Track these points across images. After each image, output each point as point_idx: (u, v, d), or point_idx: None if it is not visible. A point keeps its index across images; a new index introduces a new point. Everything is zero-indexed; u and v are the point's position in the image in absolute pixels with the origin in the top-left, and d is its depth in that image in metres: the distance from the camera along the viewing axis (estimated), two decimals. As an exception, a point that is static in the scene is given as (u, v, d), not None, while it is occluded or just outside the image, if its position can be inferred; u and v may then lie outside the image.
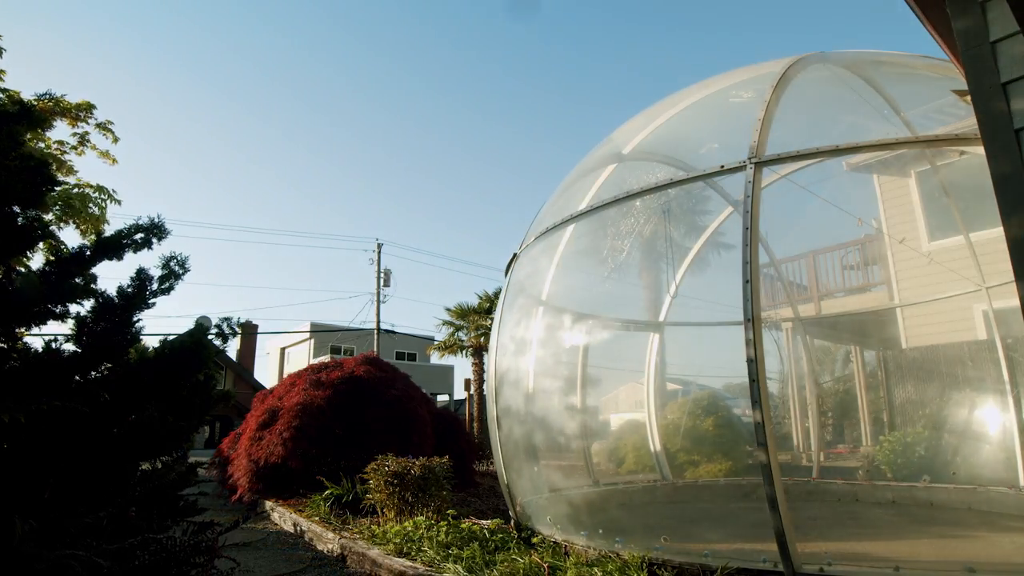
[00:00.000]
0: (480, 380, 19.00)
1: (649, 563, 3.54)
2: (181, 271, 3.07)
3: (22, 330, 2.78)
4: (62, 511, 2.29)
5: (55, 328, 2.86)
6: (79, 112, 6.73)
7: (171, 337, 2.98)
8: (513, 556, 4.07)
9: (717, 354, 8.12)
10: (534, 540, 4.52)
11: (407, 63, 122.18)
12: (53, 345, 2.72)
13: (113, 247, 2.94)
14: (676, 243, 8.19)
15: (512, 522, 5.31)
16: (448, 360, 22.08)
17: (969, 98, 2.29)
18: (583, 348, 7.02)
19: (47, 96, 6.25)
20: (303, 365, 11.51)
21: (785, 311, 8.82)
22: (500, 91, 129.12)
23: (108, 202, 6.52)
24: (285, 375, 11.41)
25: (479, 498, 7.49)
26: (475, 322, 19.82)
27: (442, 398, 32.84)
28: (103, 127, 7.00)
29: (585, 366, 7.03)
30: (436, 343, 21.08)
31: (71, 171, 6.91)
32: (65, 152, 6.86)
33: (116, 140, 7.17)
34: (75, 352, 2.78)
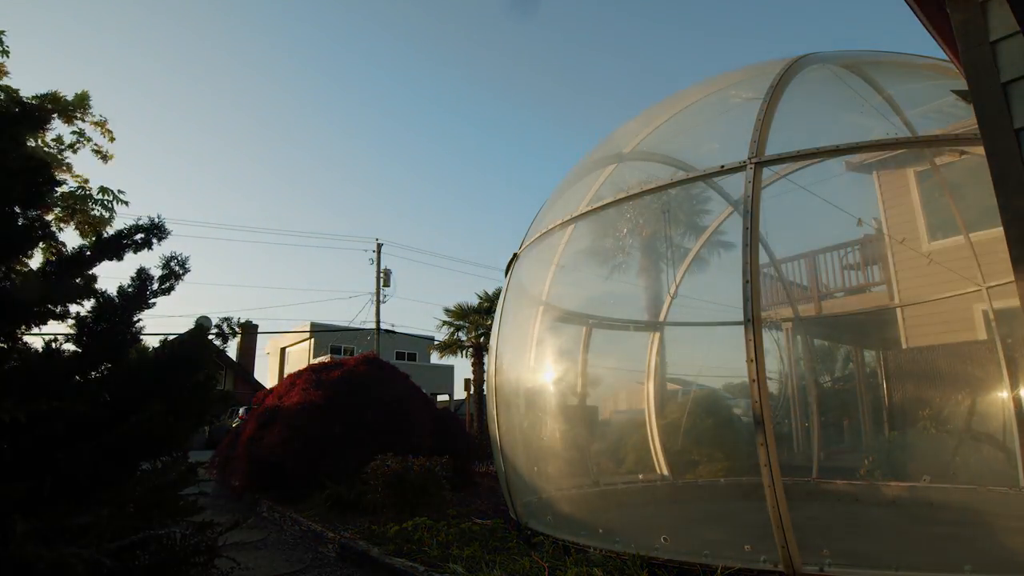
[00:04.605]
0: (480, 380, 18.97)
1: (649, 563, 3.54)
2: (181, 271, 3.08)
3: (22, 330, 2.78)
4: (62, 510, 2.29)
5: (55, 328, 2.86)
6: (75, 108, 6.69)
7: (171, 337, 2.98)
8: (513, 556, 4.07)
9: (717, 354, 8.11)
10: (534, 540, 4.52)
11: (407, 63, 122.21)
12: (53, 345, 2.72)
13: (113, 247, 2.94)
14: (676, 243, 8.19)
15: (512, 522, 5.31)
16: (448, 360, 21.97)
17: (969, 98, 2.29)
18: (583, 348, 7.02)
19: (47, 95, 6.25)
20: (303, 365, 11.51)
21: (785, 311, 8.81)
22: (501, 91, 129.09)
23: (115, 203, 6.54)
24: (285, 375, 11.40)
25: (479, 498, 7.48)
26: (475, 322, 19.80)
27: (442, 398, 32.79)
28: (99, 124, 6.98)
29: (585, 366, 7.03)
30: (436, 343, 21.03)
31: (69, 169, 6.90)
32: (63, 150, 6.84)
33: (112, 139, 7.15)
34: (75, 352, 2.78)
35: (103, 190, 6.53)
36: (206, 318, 3.24)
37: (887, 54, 5.58)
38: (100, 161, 7.15)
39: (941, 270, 7.58)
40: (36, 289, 2.69)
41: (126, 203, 6.63)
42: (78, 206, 6.33)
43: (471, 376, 19.65)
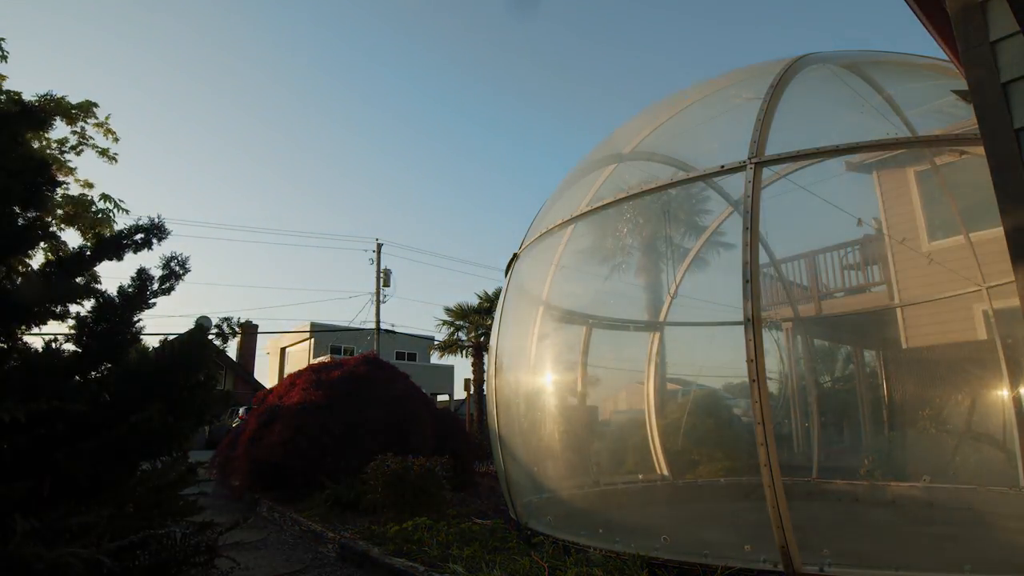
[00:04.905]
0: (480, 380, 18.98)
1: (649, 563, 3.54)
2: (181, 271, 3.07)
3: (22, 330, 2.78)
4: (62, 510, 2.29)
5: (55, 328, 2.86)
6: (79, 112, 6.71)
7: (171, 337, 2.98)
8: (513, 556, 4.07)
9: (717, 354, 8.11)
10: (534, 540, 4.52)
11: (407, 62, 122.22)
12: (53, 345, 2.72)
13: (113, 247, 2.94)
14: (676, 243, 8.20)
15: (512, 522, 5.31)
16: (448, 360, 21.98)
17: (969, 98, 2.29)
18: (583, 348, 7.03)
19: (47, 96, 6.25)
20: (303, 365, 11.52)
21: (785, 311, 8.81)
22: (500, 91, 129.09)
23: (116, 211, 6.56)
24: (285, 375, 11.41)
25: (479, 498, 7.49)
26: (475, 322, 19.82)
27: (442, 398, 32.80)
28: (102, 126, 6.98)
29: (585, 366, 7.03)
30: (436, 343, 21.06)
31: (71, 171, 6.91)
32: (65, 152, 6.84)
33: (116, 139, 7.15)
34: (75, 352, 2.78)
35: (104, 197, 6.55)
36: (206, 318, 3.24)
37: (887, 54, 5.58)
38: (105, 162, 7.15)
39: (941, 270, 7.58)
40: (36, 289, 2.69)
41: (126, 211, 6.66)
42: (80, 210, 6.35)
43: (471, 376, 19.67)
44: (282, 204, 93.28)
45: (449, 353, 20.56)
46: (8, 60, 5.84)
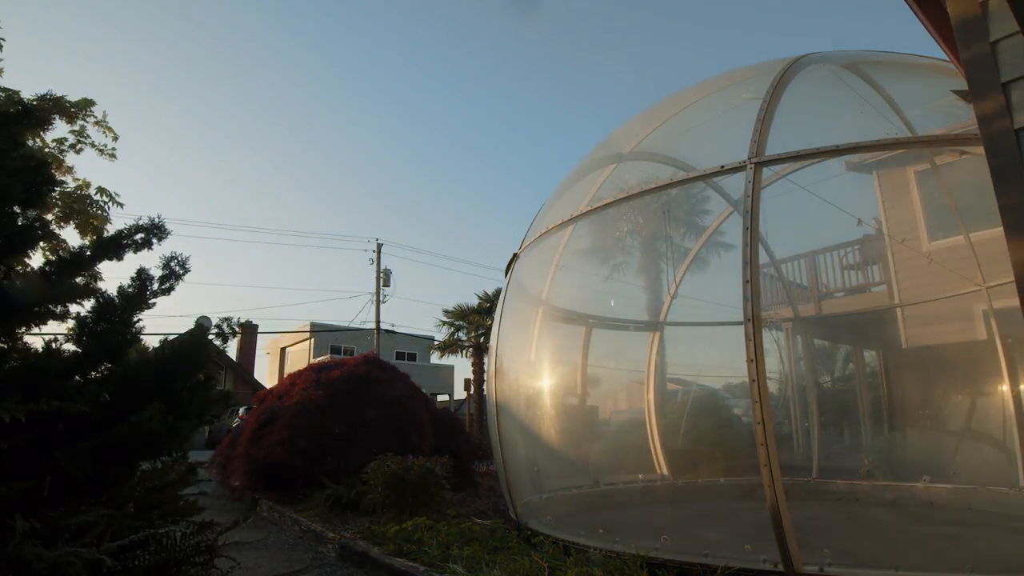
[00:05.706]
0: (480, 380, 18.98)
1: (649, 563, 3.54)
2: (182, 271, 3.08)
3: (22, 330, 2.78)
4: (62, 510, 2.29)
5: (55, 328, 2.87)
6: (78, 111, 6.70)
7: (171, 337, 2.98)
8: (513, 556, 4.06)
9: (717, 354, 8.11)
10: (534, 540, 4.52)
11: (408, 62, 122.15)
12: (53, 345, 2.72)
13: (113, 247, 2.95)
14: (676, 243, 8.20)
15: (512, 522, 5.31)
16: (448, 360, 22.00)
17: (969, 98, 2.29)
18: (583, 348, 7.03)
19: (47, 96, 6.25)
20: (303, 365, 11.51)
21: (785, 311, 8.81)
22: (501, 90, 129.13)
23: (111, 205, 6.55)
24: (285, 375, 11.41)
25: (479, 498, 7.49)
26: (475, 322, 19.84)
27: (442, 398, 32.80)
28: (101, 124, 6.98)
29: (585, 366, 7.03)
30: (436, 343, 21.09)
31: (69, 170, 6.91)
32: (64, 151, 6.85)
33: (116, 137, 7.14)
34: (75, 352, 2.78)
35: (101, 191, 6.55)
36: (206, 318, 3.24)
37: (887, 54, 5.58)
38: (105, 160, 7.14)
39: (941, 270, 7.58)
40: (36, 289, 2.69)
41: (121, 204, 6.65)
42: (76, 206, 6.35)
43: (471, 376, 19.67)
44: (282, 204, 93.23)
45: (449, 353, 20.59)
46: (3, 59, 5.84)
